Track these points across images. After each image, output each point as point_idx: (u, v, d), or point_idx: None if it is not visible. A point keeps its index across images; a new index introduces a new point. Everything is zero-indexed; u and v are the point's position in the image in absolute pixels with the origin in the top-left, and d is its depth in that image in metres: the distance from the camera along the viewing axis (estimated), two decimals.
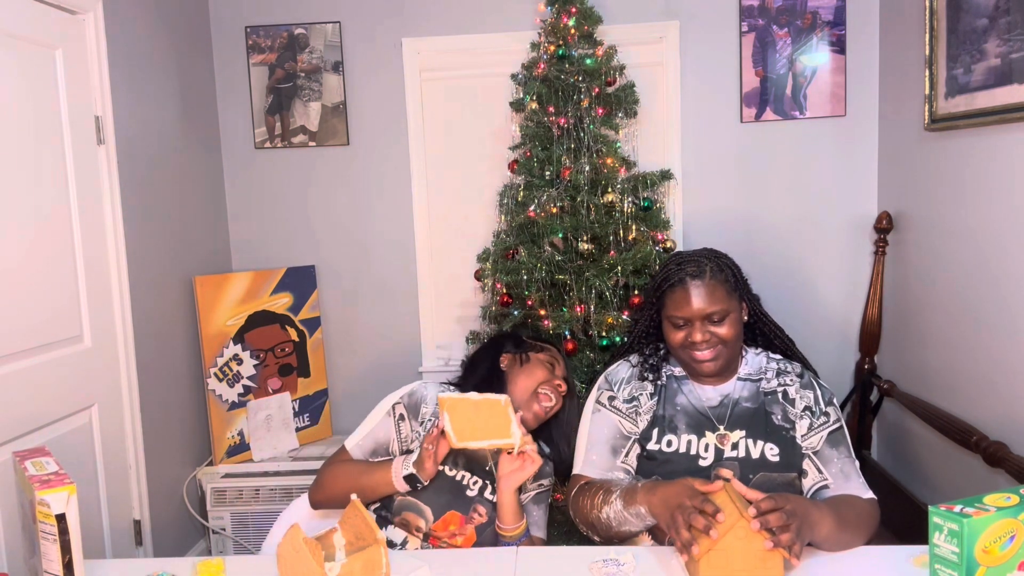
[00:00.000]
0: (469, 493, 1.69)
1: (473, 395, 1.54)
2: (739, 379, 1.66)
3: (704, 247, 1.77)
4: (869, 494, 1.58)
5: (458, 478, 1.69)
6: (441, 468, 1.67)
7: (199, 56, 3.24)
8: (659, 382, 1.68)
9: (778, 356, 1.72)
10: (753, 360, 1.70)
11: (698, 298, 1.58)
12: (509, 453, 1.58)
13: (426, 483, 1.60)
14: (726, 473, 1.51)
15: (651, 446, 1.63)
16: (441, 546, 1.66)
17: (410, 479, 1.58)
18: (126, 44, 2.66)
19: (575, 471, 1.67)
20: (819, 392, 1.65)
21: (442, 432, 1.56)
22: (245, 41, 3.33)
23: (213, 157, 3.33)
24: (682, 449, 1.61)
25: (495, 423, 1.54)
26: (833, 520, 1.41)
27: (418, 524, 1.66)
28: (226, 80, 3.36)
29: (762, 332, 1.74)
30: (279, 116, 3.36)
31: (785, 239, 3.26)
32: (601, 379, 1.73)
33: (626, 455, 1.65)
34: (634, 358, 1.74)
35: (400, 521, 1.66)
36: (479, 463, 1.72)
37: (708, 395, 1.65)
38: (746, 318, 1.69)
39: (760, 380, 1.67)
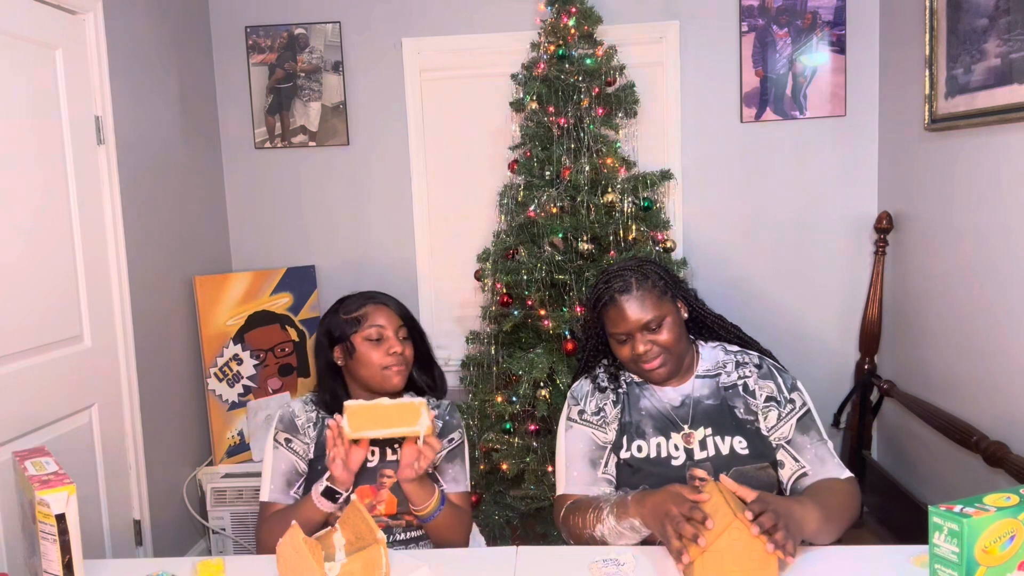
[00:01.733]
0: (370, 465, 1.68)
1: (384, 400, 1.54)
2: (697, 377, 1.67)
3: (631, 257, 1.76)
4: (847, 473, 1.59)
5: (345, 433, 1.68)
6: None
7: (199, 56, 3.24)
8: (620, 390, 1.69)
9: (735, 348, 1.71)
10: (709, 355, 1.70)
11: (631, 311, 1.58)
12: (415, 442, 1.55)
13: (347, 491, 1.57)
14: (699, 473, 1.50)
15: (623, 454, 1.64)
16: None
17: (328, 493, 1.56)
18: (126, 44, 2.66)
19: (559, 492, 1.68)
20: (780, 380, 1.65)
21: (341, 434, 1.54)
22: (245, 41, 3.33)
23: (213, 157, 3.33)
24: (653, 453, 1.62)
25: (401, 415, 1.53)
26: (819, 514, 1.41)
27: (335, 511, 1.65)
28: (226, 80, 3.36)
29: (706, 325, 1.74)
30: (279, 116, 3.36)
31: (785, 239, 3.26)
32: (568, 396, 1.74)
33: (605, 465, 1.65)
34: (589, 375, 1.75)
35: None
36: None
37: (669, 396, 1.66)
38: (686, 315, 1.68)
39: (719, 375, 1.67)
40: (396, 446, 1.71)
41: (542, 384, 2.66)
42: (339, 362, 1.74)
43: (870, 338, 3.08)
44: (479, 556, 1.59)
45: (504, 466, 2.70)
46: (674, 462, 1.61)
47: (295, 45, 3.31)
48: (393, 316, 1.74)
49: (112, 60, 2.55)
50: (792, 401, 1.63)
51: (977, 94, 2.36)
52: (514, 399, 2.68)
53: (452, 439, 1.78)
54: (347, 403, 1.54)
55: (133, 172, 2.67)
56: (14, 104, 2.13)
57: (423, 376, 1.82)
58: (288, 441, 1.71)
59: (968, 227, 2.49)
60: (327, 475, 1.58)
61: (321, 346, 1.76)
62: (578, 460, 1.65)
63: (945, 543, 1.16)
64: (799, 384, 1.67)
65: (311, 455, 1.71)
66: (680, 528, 1.32)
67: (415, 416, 1.52)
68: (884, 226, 3.01)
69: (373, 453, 1.69)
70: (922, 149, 2.79)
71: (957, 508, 1.17)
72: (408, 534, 1.68)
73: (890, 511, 2.90)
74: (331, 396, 1.75)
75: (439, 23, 3.27)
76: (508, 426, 2.75)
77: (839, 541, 1.47)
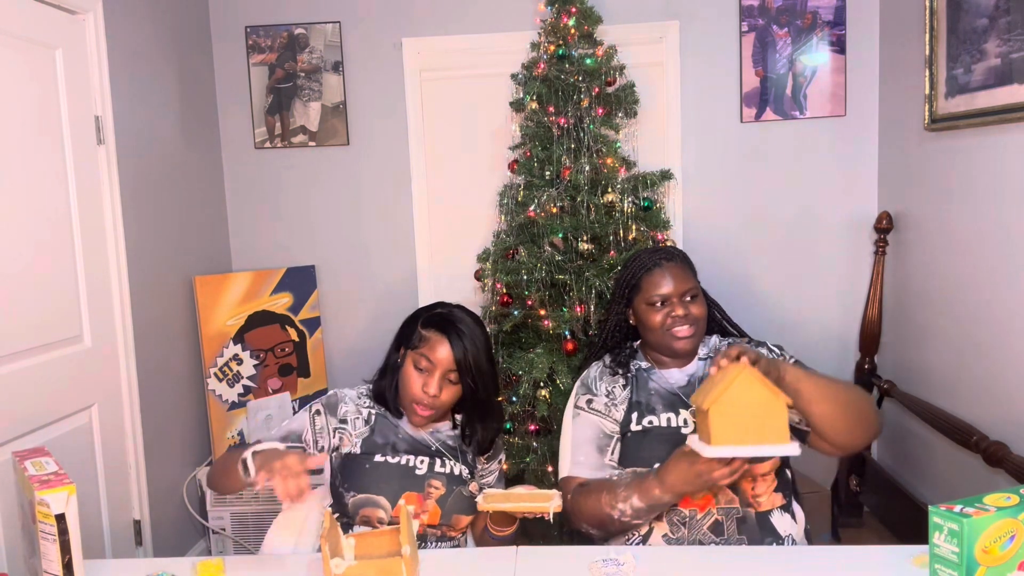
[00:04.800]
0: (419, 472, 1.67)
1: (520, 489, 1.53)
2: (700, 359, 1.78)
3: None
4: None
5: (403, 462, 1.67)
6: (384, 458, 1.66)
7: (199, 56, 3.24)
8: (629, 374, 1.77)
9: (729, 338, 1.85)
10: (710, 341, 1.83)
11: (675, 277, 1.71)
12: (539, 517, 1.54)
13: (254, 476, 1.40)
14: (734, 351, 1.51)
15: (634, 427, 1.70)
16: None
17: (244, 464, 1.42)
18: (126, 44, 2.66)
19: (564, 474, 1.72)
20: (769, 345, 1.78)
21: (316, 471, 1.45)
22: (245, 41, 3.33)
23: (213, 157, 3.33)
24: (663, 424, 1.70)
25: (533, 497, 1.53)
26: (803, 372, 1.49)
27: (378, 515, 1.64)
28: (226, 80, 3.36)
29: (715, 319, 1.85)
30: (279, 116, 3.36)
31: (785, 239, 3.26)
32: (577, 384, 1.80)
33: (612, 453, 1.71)
34: (601, 361, 1.83)
35: (361, 519, 1.65)
36: (422, 445, 1.71)
37: (675, 377, 1.75)
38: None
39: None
40: (445, 458, 1.71)
41: (542, 384, 2.66)
42: (399, 361, 1.73)
43: (870, 338, 3.08)
44: (479, 556, 1.60)
45: (504, 466, 2.70)
46: (684, 431, 1.68)
47: (295, 45, 3.31)
48: (449, 356, 1.63)
49: (112, 60, 2.55)
50: (783, 353, 1.75)
51: (977, 94, 2.36)
52: (514, 399, 2.68)
53: (500, 460, 1.84)
54: (486, 491, 1.56)
55: (133, 172, 2.67)
56: (14, 104, 2.13)
57: (468, 422, 1.74)
58: (317, 413, 1.70)
59: (968, 227, 2.49)
60: (259, 447, 1.46)
61: (395, 339, 1.77)
62: (585, 445, 1.71)
63: (945, 543, 1.16)
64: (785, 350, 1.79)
65: (318, 438, 1.68)
66: (716, 478, 1.43)
67: (547, 499, 1.51)
68: (884, 226, 3.01)
69: (422, 462, 1.68)
70: (922, 149, 2.79)
71: (957, 508, 1.17)
72: (439, 544, 1.69)
73: (890, 511, 2.90)
74: (381, 393, 1.73)
75: (439, 23, 3.27)
76: (508, 426, 2.75)
77: (839, 540, 1.47)
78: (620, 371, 1.77)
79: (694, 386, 1.72)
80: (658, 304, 1.70)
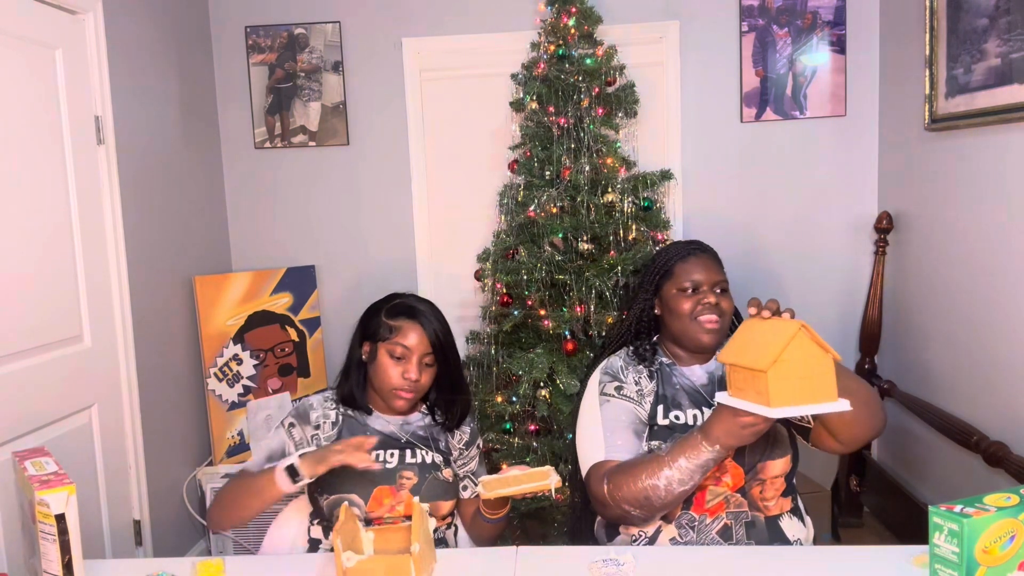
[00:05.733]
0: (389, 466, 1.68)
1: (515, 471, 1.56)
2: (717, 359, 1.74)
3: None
4: None
5: (372, 458, 1.67)
6: None
7: (199, 56, 3.24)
8: (653, 367, 1.75)
9: None
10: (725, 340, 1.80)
11: (707, 268, 1.71)
12: (548, 491, 1.57)
13: (307, 478, 1.51)
14: (773, 306, 1.47)
15: (661, 421, 1.68)
16: (386, 522, 1.64)
17: (291, 470, 1.51)
18: (126, 44, 2.66)
19: (598, 459, 1.61)
20: None
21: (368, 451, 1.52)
22: (245, 41, 3.33)
23: (213, 157, 3.33)
24: (690, 422, 1.67)
25: (531, 476, 1.55)
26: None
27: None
28: (226, 80, 3.36)
29: (734, 325, 1.82)
30: (279, 116, 3.36)
31: (785, 239, 3.26)
32: (598, 374, 1.74)
33: (646, 440, 1.66)
34: (622, 352, 1.79)
35: (337, 519, 1.65)
36: (391, 440, 1.72)
37: (697, 374, 1.73)
38: None
39: None
40: (416, 448, 1.72)
41: (542, 384, 2.66)
42: (364, 358, 1.74)
43: (870, 338, 3.08)
44: (479, 556, 1.60)
45: (504, 466, 2.70)
46: None
47: (295, 45, 3.31)
48: (424, 340, 1.68)
49: (112, 60, 2.55)
50: None
51: (977, 94, 2.36)
52: (514, 399, 2.68)
53: (478, 444, 1.84)
54: (483, 478, 1.58)
55: (133, 172, 2.67)
56: (14, 104, 2.13)
57: (441, 401, 1.78)
58: (291, 426, 1.72)
59: (968, 227, 2.49)
60: (309, 451, 1.55)
61: (355, 337, 1.77)
62: (622, 430, 1.64)
63: (945, 543, 1.16)
64: None
65: (307, 448, 1.68)
66: (763, 429, 1.41)
67: (544, 476, 1.54)
68: (884, 226, 3.01)
69: (392, 455, 1.69)
70: (922, 149, 2.79)
71: (957, 508, 1.17)
72: None
73: (890, 511, 2.90)
74: (349, 393, 1.74)
75: (439, 23, 3.27)
76: (508, 426, 2.75)
77: (839, 540, 1.47)
78: (644, 363, 1.74)
79: (715, 385, 1.70)
80: (689, 291, 1.69)
